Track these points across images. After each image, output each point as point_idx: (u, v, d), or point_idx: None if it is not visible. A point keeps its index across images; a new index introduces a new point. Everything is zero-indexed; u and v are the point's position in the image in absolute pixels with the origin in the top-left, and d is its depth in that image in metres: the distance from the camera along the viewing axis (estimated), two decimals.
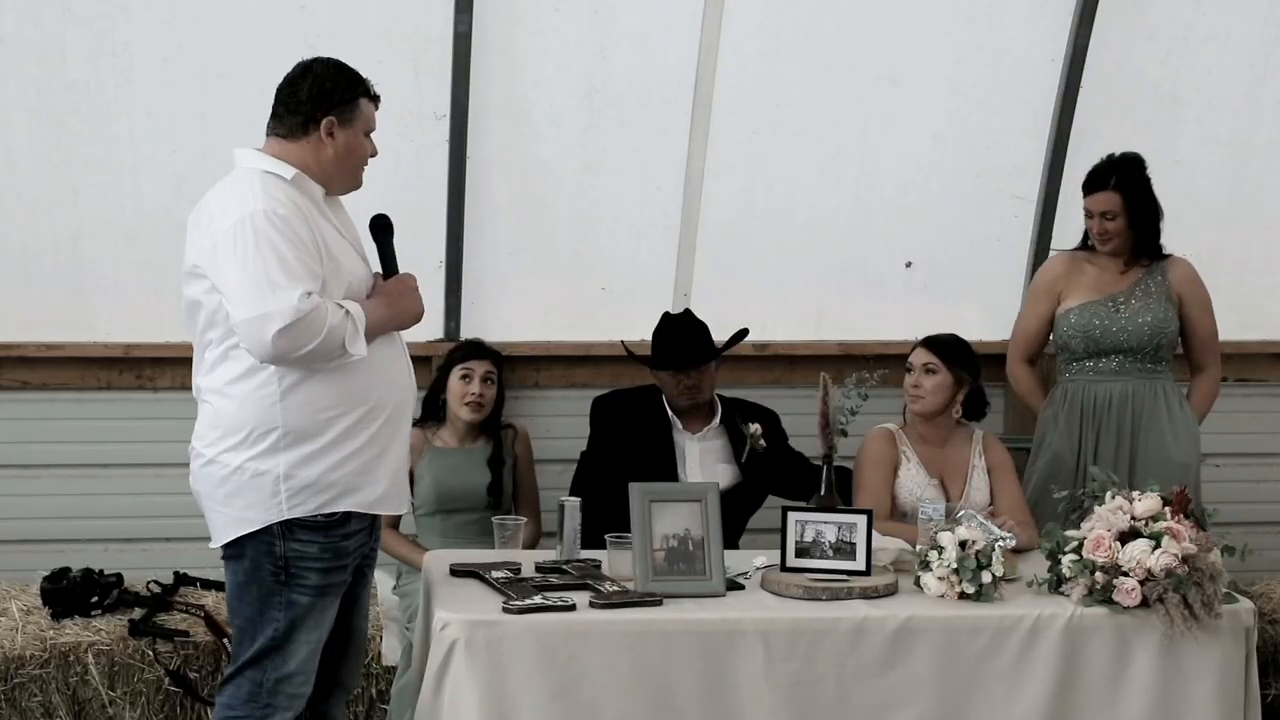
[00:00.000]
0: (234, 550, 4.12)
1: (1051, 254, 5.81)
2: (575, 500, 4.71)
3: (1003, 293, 6.46)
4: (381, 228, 4.32)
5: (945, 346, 5.22)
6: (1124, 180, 5.45)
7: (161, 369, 5.91)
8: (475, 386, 5.51)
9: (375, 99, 4.25)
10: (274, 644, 4.09)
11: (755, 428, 5.41)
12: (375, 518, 4.24)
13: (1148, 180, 5.52)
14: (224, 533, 4.11)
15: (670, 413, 5.48)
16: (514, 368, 6.03)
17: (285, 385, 4.02)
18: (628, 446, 5.39)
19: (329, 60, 4.21)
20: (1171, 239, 5.61)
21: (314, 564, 4.07)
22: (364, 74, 4.24)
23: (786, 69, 6.05)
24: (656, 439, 5.41)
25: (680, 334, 5.47)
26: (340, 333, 3.94)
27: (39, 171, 5.71)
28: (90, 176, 5.72)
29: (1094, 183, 5.49)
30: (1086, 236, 5.62)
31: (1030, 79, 6.20)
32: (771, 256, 6.26)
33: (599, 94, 5.97)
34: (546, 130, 5.99)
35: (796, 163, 6.17)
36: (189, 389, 5.85)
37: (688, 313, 5.59)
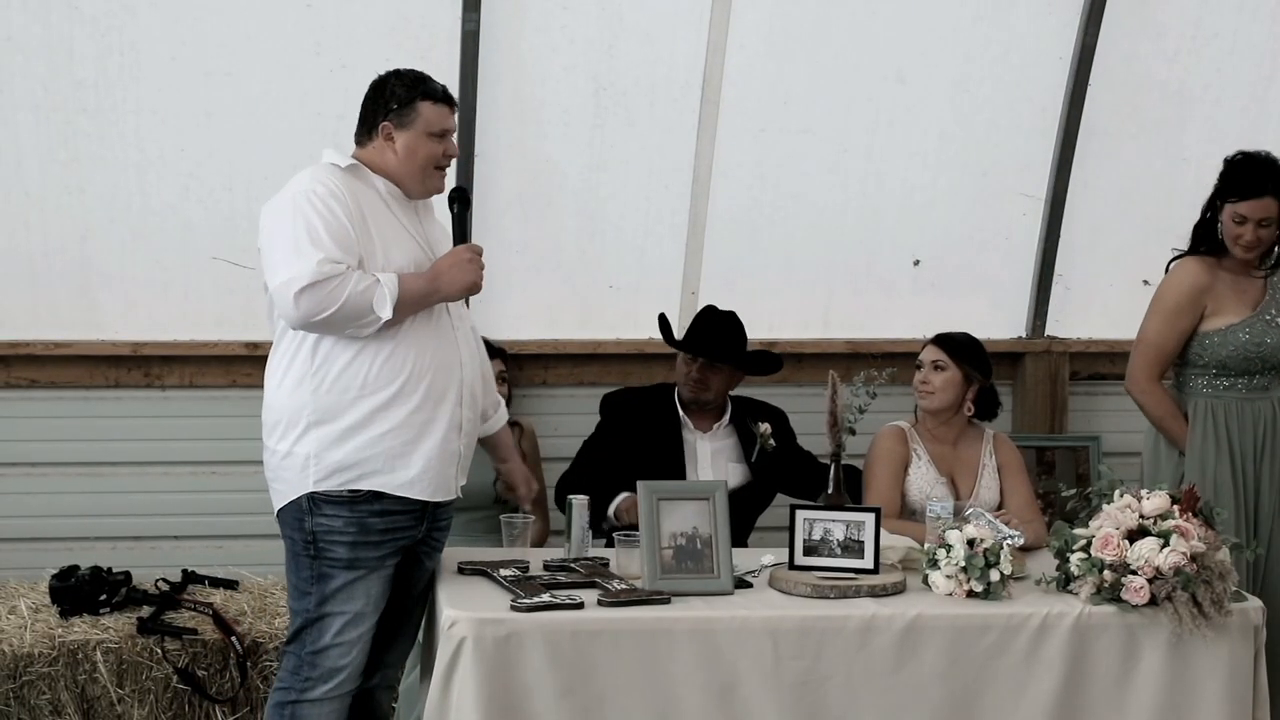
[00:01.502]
0: (281, 528, 4.27)
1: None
2: (583, 499, 4.71)
3: (1011, 291, 6.46)
4: (455, 199, 4.37)
5: (955, 344, 5.22)
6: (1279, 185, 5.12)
7: (169, 367, 5.92)
8: None
9: (444, 101, 4.31)
10: (310, 618, 4.21)
11: (765, 427, 5.41)
12: (430, 506, 4.29)
13: None
14: (275, 504, 4.27)
15: (681, 411, 5.47)
16: (521, 366, 6.03)
17: (316, 366, 4.16)
18: (637, 443, 5.38)
19: (398, 70, 4.35)
20: (1180, 237, 5.59)
21: (340, 538, 4.17)
22: (355, 68, 4.43)
23: (794, 67, 6.05)
24: (666, 437, 5.41)
25: (714, 327, 5.46)
26: (367, 297, 4.06)
27: (46, 170, 5.72)
28: (97, 175, 5.73)
29: (1251, 188, 5.09)
30: (1207, 239, 5.23)
31: (1038, 77, 6.20)
32: (779, 254, 6.26)
33: (606, 92, 5.97)
34: (554, 128, 5.99)
35: (804, 161, 6.17)
36: (197, 387, 5.93)
37: (732, 315, 5.54)
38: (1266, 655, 4.43)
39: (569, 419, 6.06)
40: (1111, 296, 6.51)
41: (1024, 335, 6.51)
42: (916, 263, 6.36)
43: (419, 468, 4.21)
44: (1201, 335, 5.19)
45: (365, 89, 5.68)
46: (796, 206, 6.23)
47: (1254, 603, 4.40)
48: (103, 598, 5.32)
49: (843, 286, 6.35)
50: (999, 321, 6.43)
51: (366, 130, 4.32)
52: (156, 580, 5.47)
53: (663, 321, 5.58)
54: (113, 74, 5.64)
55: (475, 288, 4.31)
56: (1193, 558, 4.26)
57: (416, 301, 4.17)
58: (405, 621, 4.48)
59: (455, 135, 4.38)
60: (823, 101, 6.11)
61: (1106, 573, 4.27)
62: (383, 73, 4.36)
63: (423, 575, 4.44)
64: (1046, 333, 6.50)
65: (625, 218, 6.14)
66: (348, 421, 4.15)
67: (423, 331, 4.23)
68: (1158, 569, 4.24)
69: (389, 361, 4.16)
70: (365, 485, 4.17)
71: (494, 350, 5.61)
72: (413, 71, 4.34)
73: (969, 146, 6.26)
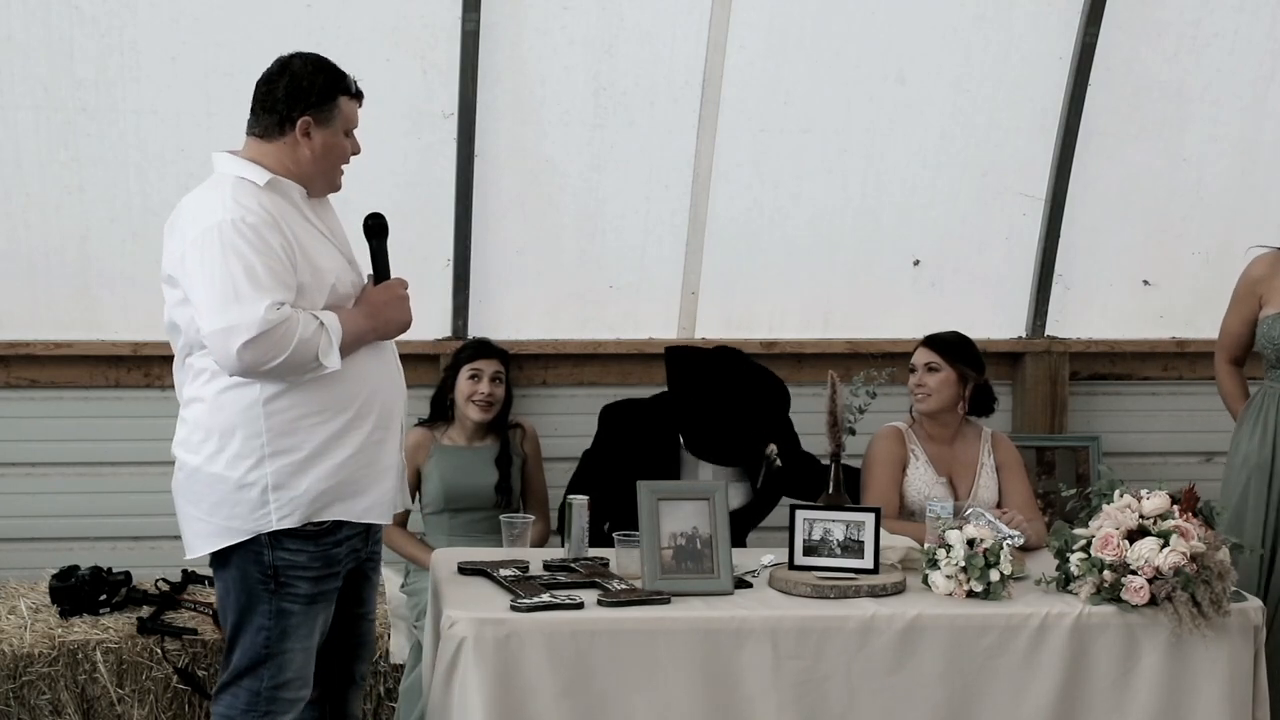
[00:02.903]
0: (220, 560, 4.05)
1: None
2: (583, 499, 4.69)
3: (1011, 291, 6.45)
4: (373, 229, 4.18)
5: (946, 344, 5.22)
6: None
7: (169, 367, 5.87)
8: (485, 386, 5.51)
9: (358, 96, 4.11)
10: (267, 653, 4.02)
11: (771, 447, 5.35)
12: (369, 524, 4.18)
13: None
14: (206, 543, 4.03)
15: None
16: (521, 366, 6.03)
17: (268, 393, 3.93)
18: (635, 460, 5.29)
19: (308, 56, 4.08)
20: (1179, 237, 5.60)
21: (304, 573, 4.00)
22: (346, 69, 4.11)
23: (794, 67, 6.05)
24: (665, 456, 5.32)
25: (725, 432, 5.28)
26: (313, 345, 3.85)
27: (47, 170, 5.72)
28: (98, 175, 5.73)
29: None
30: None
31: (1038, 77, 6.20)
32: (779, 254, 6.26)
33: (606, 92, 5.97)
34: (554, 129, 5.99)
35: (804, 161, 6.17)
36: None
37: (746, 397, 5.33)
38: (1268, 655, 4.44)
39: (569, 419, 6.06)
40: (1111, 296, 6.51)
41: (1024, 335, 6.51)
42: (916, 263, 6.35)
43: (376, 492, 4.07)
44: (1257, 326, 5.30)
45: (368, 90, 5.68)
46: (796, 206, 6.22)
47: (1254, 603, 4.40)
48: (103, 598, 5.33)
49: (843, 286, 6.34)
50: (999, 321, 6.43)
51: (277, 123, 4.00)
52: (156, 580, 5.47)
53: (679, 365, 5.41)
54: (113, 74, 5.64)
55: (407, 326, 4.13)
56: (1192, 558, 4.26)
57: (356, 343, 3.98)
58: (362, 636, 4.35)
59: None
60: (823, 101, 6.11)
61: (1106, 573, 4.27)
62: (285, 56, 4.07)
63: (371, 592, 4.32)
64: (1046, 333, 6.50)
65: (625, 218, 6.14)
66: (306, 451, 3.94)
67: (369, 353, 4.06)
68: (1157, 569, 4.24)
69: (342, 386, 3.97)
70: (328, 515, 3.99)
71: (493, 351, 5.62)
72: (321, 59, 4.06)
73: (969, 146, 6.26)
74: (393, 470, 4.13)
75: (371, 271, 4.21)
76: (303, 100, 4.01)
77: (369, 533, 4.21)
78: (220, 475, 3.97)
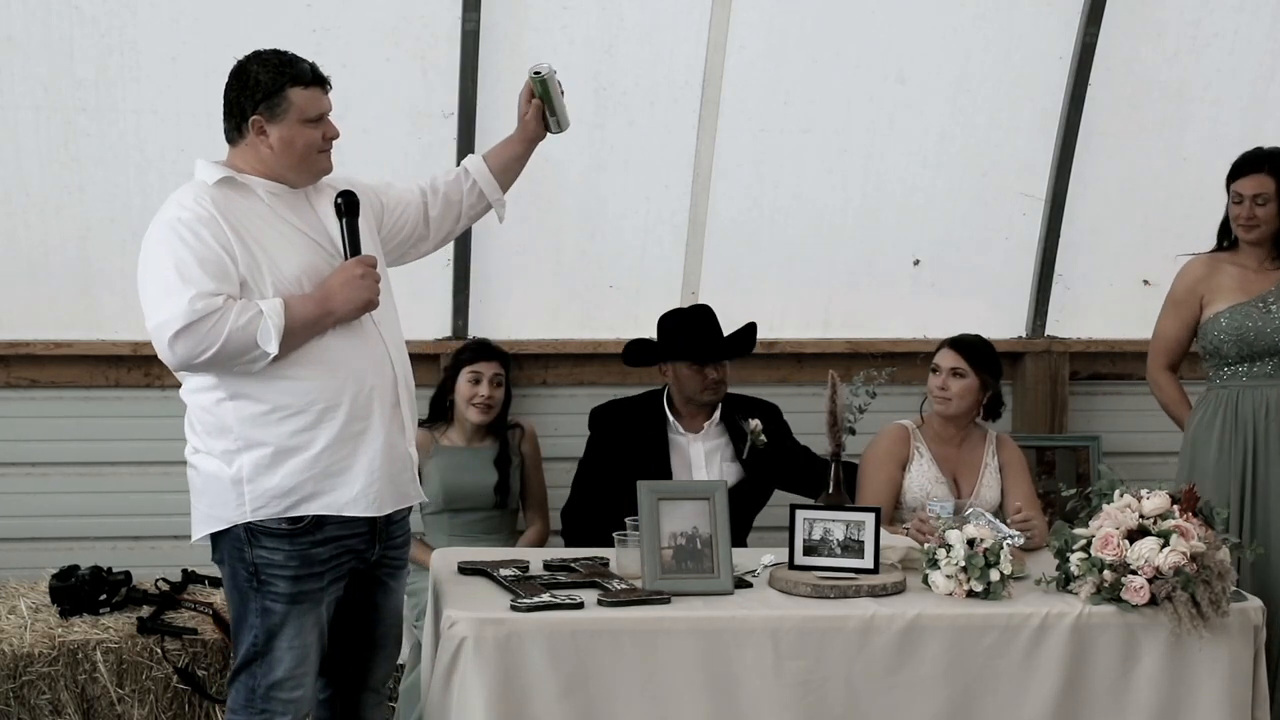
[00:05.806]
0: (216, 554, 4.07)
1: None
2: (547, 66, 4.41)
3: (1010, 291, 6.45)
4: (338, 208, 4.04)
5: (973, 349, 5.19)
6: (1278, 166, 5.25)
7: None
8: (484, 389, 5.51)
9: (317, 82, 4.00)
10: (256, 651, 4.01)
11: (755, 423, 5.38)
12: (380, 524, 4.10)
13: None
14: (197, 528, 4.06)
15: (670, 416, 5.43)
16: (521, 365, 6.03)
17: (231, 390, 3.93)
18: (628, 454, 5.32)
19: (259, 53, 4.01)
20: (1180, 237, 5.61)
21: (282, 572, 3.96)
22: (300, 58, 4.02)
23: (794, 67, 6.05)
24: (656, 443, 5.36)
25: (712, 327, 5.41)
26: (249, 332, 3.82)
27: (47, 169, 5.72)
28: (98, 174, 5.74)
29: (1246, 166, 5.28)
30: (1223, 235, 5.38)
31: (1038, 77, 6.20)
32: (779, 254, 6.26)
33: (607, 92, 5.97)
34: None
35: (804, 160, 6.17)
36: None
37: (706, 307, 5.49)
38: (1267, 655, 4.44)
39: (569, 419, 6.05)
40: (1111, 296, 6.51)
41: (1024, 335, 6.51)
42: (916, 263, 6.36)
43: (362, 483, 3.99)
44: (1201, 325, 5.31)
45: (368, 90, 5.70)
46: (796, 206, 6.23)
47: (1254, 603, 4.41)
48: (103, 598, 5.33)
49: (843, 286, 6.34)
50: (999, 321, 6.43)
51: (236, 126, 3.98)
52: (156, 580, 5.47)
53: (644, 346, 5.48)
54: (113, 74, 5.64)
55: (370, 305, 3.97)
56: (1192, 558, 4.26)
57: (307, 328, 3.89)
58: (382, 645, 4.28)
59: (331, 114, 4.04)
60: (823, 101, 6.11)
61: (1106, 573, 4.27)
62: (243, 57, 4.02)
63: (389, 598, 4.24)
64: (1046, 333, 6.50)
65: (625, 218, 6.14)
66: (276, 445, 3.90)
67: (340, 338, 3.97)
68: (1158, 569, 4.24)
69: (308, 381, 3.92)
70: (305, 510, 3.94)
71: (493, 353, 5.61)
72: (277, 53, 3.99)
73: (969, 146, 6.26)
74: (380, 458, 4.02)
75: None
76: (251, 100, 3.97)
77: (377, 535, 4.11)
78: (200, 467, 4.02)
